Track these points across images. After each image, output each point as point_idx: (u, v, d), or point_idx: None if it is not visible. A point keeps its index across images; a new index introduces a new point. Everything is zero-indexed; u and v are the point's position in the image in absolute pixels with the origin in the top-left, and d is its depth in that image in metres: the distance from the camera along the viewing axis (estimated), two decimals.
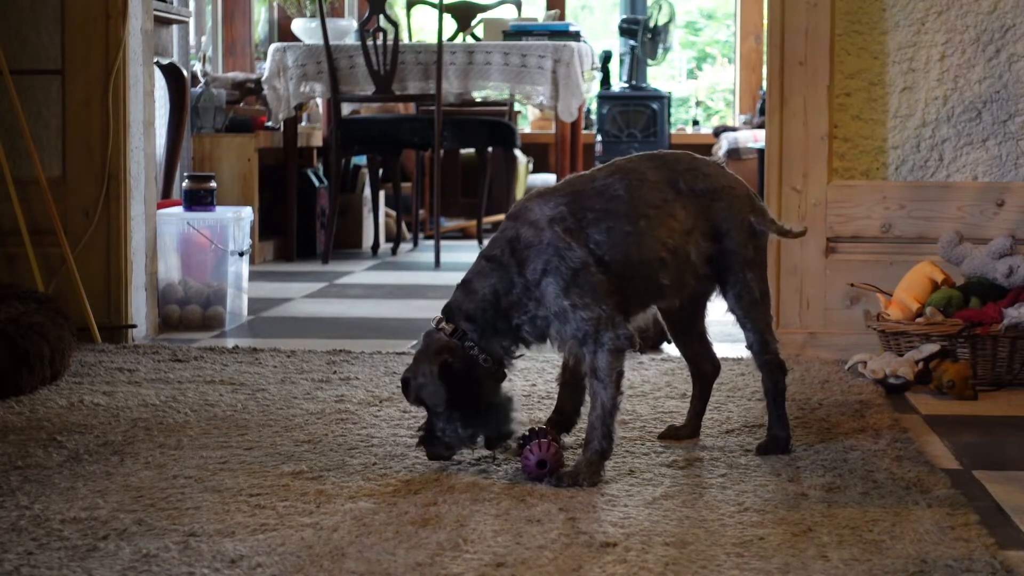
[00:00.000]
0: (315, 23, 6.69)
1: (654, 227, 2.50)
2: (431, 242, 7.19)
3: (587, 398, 2.50)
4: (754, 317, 2.63)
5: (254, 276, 5.41)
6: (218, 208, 4.50)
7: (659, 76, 10.85)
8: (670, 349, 3.80)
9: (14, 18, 4.04)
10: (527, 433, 2.53)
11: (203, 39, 7.35)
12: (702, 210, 2.56)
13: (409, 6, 7.62)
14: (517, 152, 8.12)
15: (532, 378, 3.41)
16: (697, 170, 2.60)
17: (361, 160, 7.34)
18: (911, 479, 2.44)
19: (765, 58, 4.14)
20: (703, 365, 2.79)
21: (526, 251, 2.45)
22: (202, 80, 6.64)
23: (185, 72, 5.63)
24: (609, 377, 2.42)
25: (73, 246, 3.97)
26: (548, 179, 9.39)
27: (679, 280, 2.55)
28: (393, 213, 7.50)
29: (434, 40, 6.40)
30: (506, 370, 2.53)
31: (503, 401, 2.53)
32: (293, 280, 5.78)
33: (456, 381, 2.47)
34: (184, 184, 4.52)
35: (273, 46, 6.53)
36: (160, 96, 5.35)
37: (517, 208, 2.52)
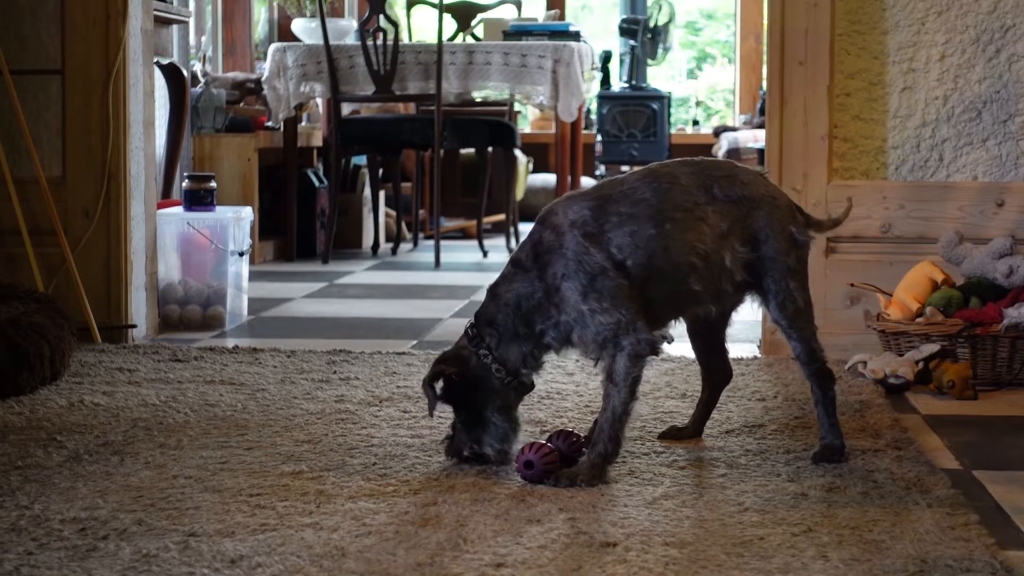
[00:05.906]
0: (315, 23, 6.69)
1: (682, 231, 2.48)
2: (431, 242, 7.19)
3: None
4: (799, 326, 2.60)
5: (254, 276, 5.41)
6: (218, 208, 4.49)
7: (659, 76, 10.85)
8: (670, 349, 3.78)
9: (14, 18, 4.04)
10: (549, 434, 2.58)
11: (203, 39, 7.34)
12: (739, 217, 2.53)
13: (409, 6, 7.62)
14: (517, 152, 8.11)
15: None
16: (735, 178, 2.56)
17: (361, 160, 7.34)
18: (911, 479, 2.44)
19: (765, 58, 4.14)
20: (715, 373, 2.79)
21: (547, 255, 2.46)
22: (202, 80, 6.64)
23: (185, 72, 5.63)
24: (624, 381, 2.43)
25: (73, 246, 3.97)
26: (548, 179, 9.39)
27: (714, 286, 2.52)
28: (393, 213, 7.50)
29: (434, 40, 6.40)
30: (525, 380, 2.53)
31: (510, 419, 2.53)
32: (293, 280, 5.78)
33: (454, 389, 2.51)
34: (184, 184, 4.52)
35: (273, 46, 6.53)
36: (160, 96, 5.34)
37: (545, 211, 2.53)
